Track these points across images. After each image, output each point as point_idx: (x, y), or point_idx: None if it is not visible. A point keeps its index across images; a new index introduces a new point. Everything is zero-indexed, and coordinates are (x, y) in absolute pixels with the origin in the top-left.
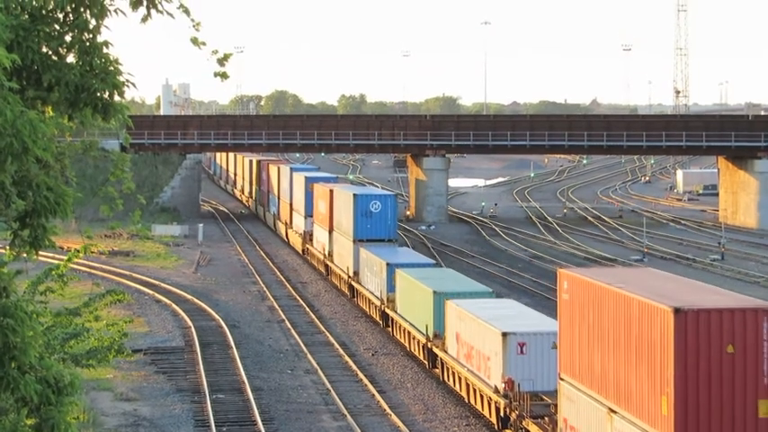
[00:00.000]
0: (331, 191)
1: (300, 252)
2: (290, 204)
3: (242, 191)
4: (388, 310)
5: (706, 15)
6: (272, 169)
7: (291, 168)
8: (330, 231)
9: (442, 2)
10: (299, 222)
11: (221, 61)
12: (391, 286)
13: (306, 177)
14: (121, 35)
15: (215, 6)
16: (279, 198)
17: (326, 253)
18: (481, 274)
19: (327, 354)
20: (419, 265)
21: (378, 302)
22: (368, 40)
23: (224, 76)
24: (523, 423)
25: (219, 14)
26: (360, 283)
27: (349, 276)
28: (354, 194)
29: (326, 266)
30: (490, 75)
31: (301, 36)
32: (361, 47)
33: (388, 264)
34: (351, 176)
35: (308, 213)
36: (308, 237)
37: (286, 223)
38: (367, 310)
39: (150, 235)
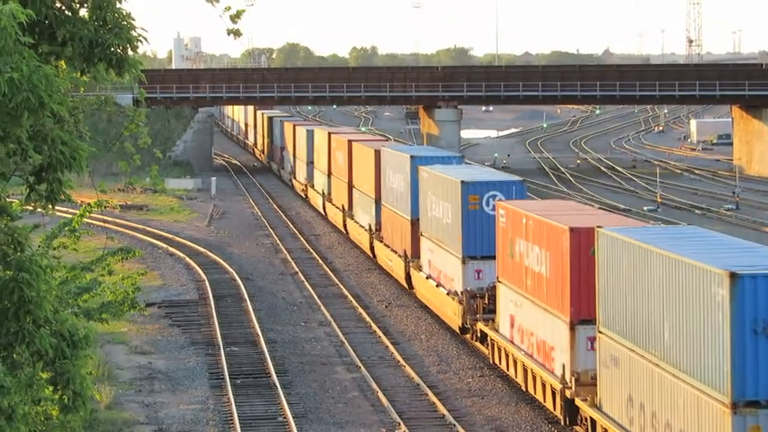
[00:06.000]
0: (584, 232)
1: (459, 331)
2: (412, 222)
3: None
4: None
5: None
6: (362, 151)
7: (413, 158)
8: (575, 327)
9: None
10: (449, 268)
11: (234, 18)
12: None
13: (463, 182)
14: None
15: None
16: (382, 203)
17: (568, 382)
18: None
19: (341, 306)
20: None
21: None
22: None
23: (237, 33)
24: None
25: None
26: None
27: None
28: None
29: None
30: (502, 25)
31: None
32: None
33: None
34: (363, 129)
35: (471, 253)
36: (470, 305)
37: (404, 255)
38: None
39: (163, 188)
